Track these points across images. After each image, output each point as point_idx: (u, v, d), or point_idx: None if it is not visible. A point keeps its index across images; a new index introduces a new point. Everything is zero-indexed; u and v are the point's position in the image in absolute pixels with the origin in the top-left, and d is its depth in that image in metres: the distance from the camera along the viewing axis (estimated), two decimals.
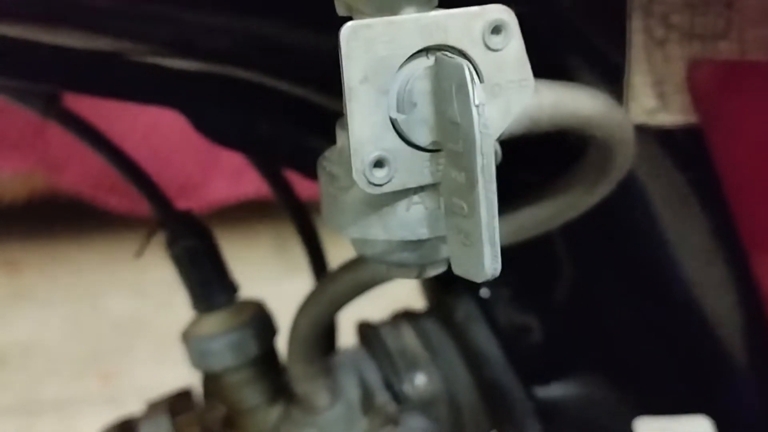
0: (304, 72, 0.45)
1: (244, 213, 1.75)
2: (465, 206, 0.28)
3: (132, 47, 0.44)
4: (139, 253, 0.51)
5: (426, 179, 0.29)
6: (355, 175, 0.28)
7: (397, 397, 0.51)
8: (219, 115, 0.49)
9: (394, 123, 0.28)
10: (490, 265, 0.27)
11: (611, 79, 0.42)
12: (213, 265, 0.52)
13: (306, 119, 0.50)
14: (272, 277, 1.47)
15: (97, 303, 1.86)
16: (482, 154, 0.26)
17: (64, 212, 1.98)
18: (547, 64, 0.42)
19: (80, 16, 0.39)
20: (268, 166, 0.56)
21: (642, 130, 0.42)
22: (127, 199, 1.71)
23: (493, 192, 0.27)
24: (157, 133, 1.63)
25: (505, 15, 0.28)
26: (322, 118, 0.46)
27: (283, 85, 0.47)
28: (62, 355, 1.70)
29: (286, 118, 0.51)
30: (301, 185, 0.58)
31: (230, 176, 1.74)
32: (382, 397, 0.51)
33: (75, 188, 1.83)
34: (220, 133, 0.49)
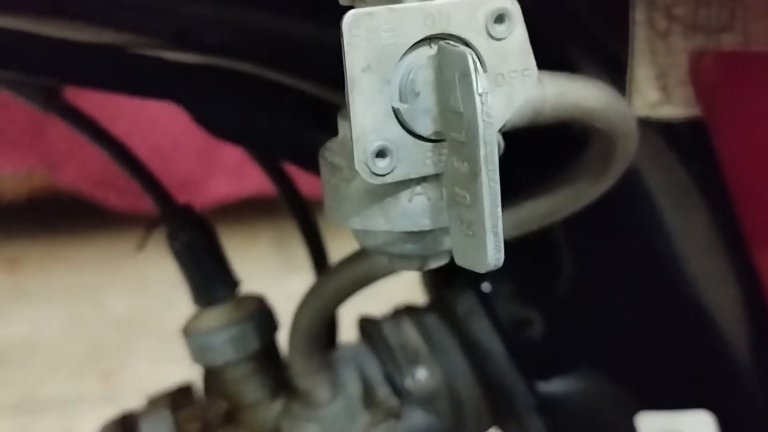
0: (305, 64, 0.45)
1: (245, 210, 1.76)
2: (468, 196, 0.27)
3: (132, 40, 0.44)
4: (140, 247, 0.51)
5: (429, 170, 0.29)
6: (357, 165, 0.27)
7: (399, 391, 0.51)
8: (219, 109, 0.49)
9: (396, 113, 0.28)
10: (493, 255, 0.27)
11: (614, 71, 0.42)
12: (214, 259, 0.52)
13: (306, 112, 0.50)
14: (272, 275, 1.47)
15: (97, 301, 1.86)
16: (485, 143, 0.26)
17: (64, 210, 1.98)
18: (549, 56, 0.42)
19: (80, 8, 0.39)
20: (269, 160, 0.56)
21: (645, 123, 0.41)
22: (126, 197, 1.71)
23: (496, 181, 0.27)
24: (157, 129, 1.64)
25: (509, 4, 0.28)
26: (322, 111, 0.46)
27: (284, 78, 0.47)
28: (62, 353, 1.70)
29: (287, 111, 0.50)
30: (302, 181, 0.58)
31: (231, 173, 1.74)
32: (383, 392, 0.51)
33: (74, 186, 1.83)
34: (220, 127, 0.49)
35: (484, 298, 0.52)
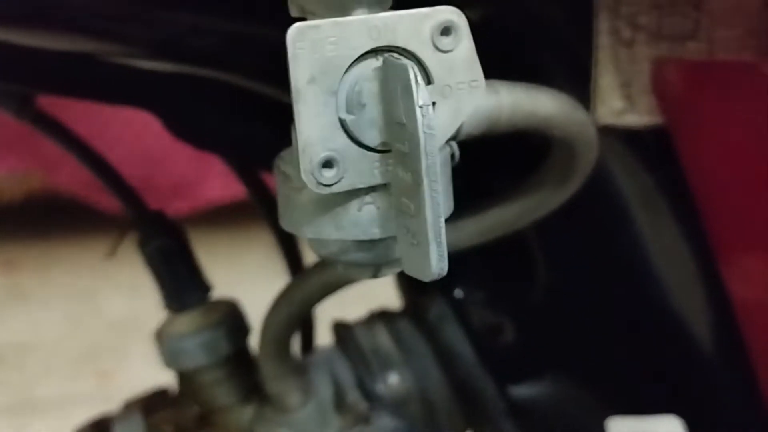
0: (281, 73, 0.45)
1: (239, 213, 1.75)
2: (412, 206, 0.28)
3: (108, 48, 0.44)
4: (111, 254, 0.51)
5: (376, 179, 0.29)
6: (303, 176, 0.28)
7: (370, 396, 0.51)
8: (193, 117, 0.49)
9: (343, 123, 0.28)
10: (436, 264, 0.27)
11: (578, 80, 0.42)
12: (185, 264, 0.52)
13: (281, 120, 0.50)
14: (267, 277, 1.47)
15: (93, 302, 1.86)
16: (426, 155, 0.27)
17: (60, 212, 1.98)
18: (513, 65, 0.42)
19: (57, 17, 0.39)
20: (244, 167, 0.56)
21: (610, 131, 0.42)
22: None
23: (438, 192, 0.27)
24: (150, 133, 1.63)
25: (455, 16, 0.28)
26: None
27: (258, 86, 0.48)
28: (59, 354, 1.70)
29: (262, 119, 0.51)
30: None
31: (224, 176, 1.73)
32: (353, 396, 0.51)
33: (69, 188, 1.83)
34: (194, 135, 0.50)
35: (456, 304, 0.52)
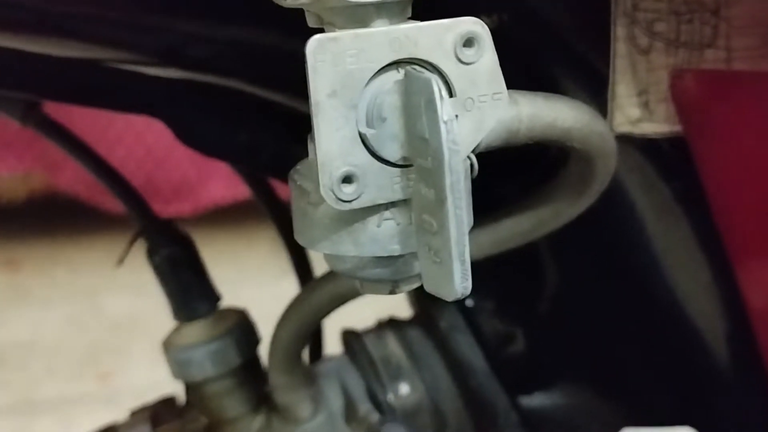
0: (288, 80, 0.45)
1: (242, 213, 1.75)
2: (434, 223, 0.27)
3: (112, 55, 0.43)
4: (120, 262, 0.51)
5: (397, 195, 0.28)
6: (322, 191, 0.27)
7: (380, 406, 0.51)
8: (201, 124, 0.49)
9: (363, 138, 0.27)
10: (460, 283, 0.27)
11: (595, 88, 0.41)
12: (194, 273, 0.51)
13: (288, 127, 0.50)
14: (270, 278, 1.47)
15: (95, 302, 1.86)
16: (451, 171, 0.26)
17: (63, 212, 1.98)
18: (529, 74, 0.42)
19: (61, 24, 0.38)
20: (252, 173, 0.56)
21: (626, 140, 0.41)
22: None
23: (462, 209, 0.26)
24: (151, 133, 1.63)
25: (478, 27, 0.28)
26: (305, 125, 0.45)
27: (266, 93, 0.47)
28: (61, 354, 1.70)
29: (269, 125, 0.50)
30: (284, 189, 0.57)
31: (227, 177, 1.73)
32: (364, 407, 0.50)
33: (72, 189, 1.82)
34: (202, 142, 0.49)
35: (467, 313, 0.52)
